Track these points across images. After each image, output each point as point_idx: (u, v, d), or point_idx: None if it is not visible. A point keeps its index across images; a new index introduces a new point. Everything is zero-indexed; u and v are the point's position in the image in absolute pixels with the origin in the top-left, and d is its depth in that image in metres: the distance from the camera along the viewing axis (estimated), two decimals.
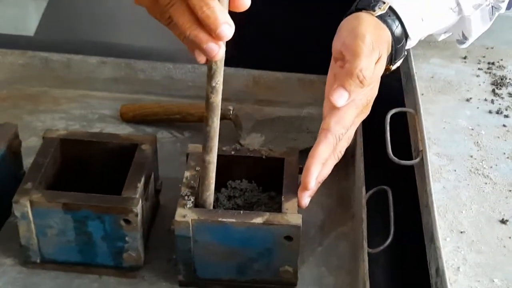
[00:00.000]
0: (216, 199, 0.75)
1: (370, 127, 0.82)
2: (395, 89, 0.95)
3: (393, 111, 0.78)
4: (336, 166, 0.73)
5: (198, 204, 0.69)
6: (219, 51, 0.55)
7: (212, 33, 0.54)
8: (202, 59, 0.58)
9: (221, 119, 0.89)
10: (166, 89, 0.97)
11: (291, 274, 0.70)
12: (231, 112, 0.89)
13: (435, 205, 0.67)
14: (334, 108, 0.70)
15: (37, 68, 0.97)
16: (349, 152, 0.84)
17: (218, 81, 0.61)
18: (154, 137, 0.77)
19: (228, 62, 0.98)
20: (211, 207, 0.69)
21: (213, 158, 0.66)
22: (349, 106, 0.70)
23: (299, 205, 0.69)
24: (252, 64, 0.97)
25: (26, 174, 0.71)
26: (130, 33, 1.59)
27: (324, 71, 0.93)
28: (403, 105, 0.87)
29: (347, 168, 0.85)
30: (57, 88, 0.98)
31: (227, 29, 0.54)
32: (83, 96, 0.97)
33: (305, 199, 0.69)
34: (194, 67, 0.96)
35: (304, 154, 0.79)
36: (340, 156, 0.71)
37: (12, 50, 0.97)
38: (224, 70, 0.96)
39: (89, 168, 0.77)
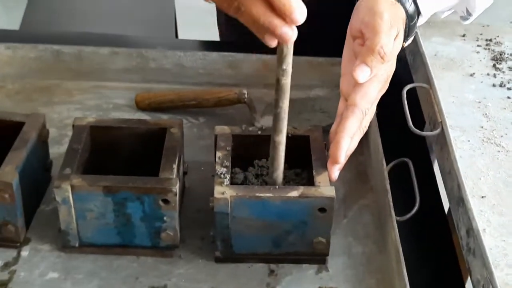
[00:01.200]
0: (245, 178, 0.77)
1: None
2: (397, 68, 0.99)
3: (408, 86, 0.82)
4: None
5: (268, 182, 0.73)
6: (292, 35, 0.60)
7: (287, 19, 0.58)
8: (273, 43, 0.61)
9: (236, 102, 0.94)
10: (177, 77, 1.00)
11: (324, 245, 0.73)
12: (246, 96, 0.92)
13: (461, 170, 0.71)
14: (357, 84, 0.74)
15: (48, 61, 0.99)
16: None
17: (289, 64, 0.65)
18: (181, 121, 0.80)
19: (238, 48, 1.01)
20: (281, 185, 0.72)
21: (283, 138, 0.70)
22: (372, 81, 0.74)
23: (329, 179, 0.72)
24: (261, 49, 1.00)
25: (63, 160, 0.73)
26: (117, 23, 1.60)
27: (332, 54, 0.97)
28: (408, 83, 0.91)
29: (361, 143, 0.89)
30: (69, 80, 0.99)
31: (301, 13, 0.58)
32: (96, 87, 0.99)
33: (335, 172, 0.73)
34: (205, 54, 0.99)
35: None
36: (365, 130, 0.75)
37: (22, 44, 0.99)
38: (234, 56, 1.00)
39: (119, 153, 0.79)
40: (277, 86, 0.66)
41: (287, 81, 0.65)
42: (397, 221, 0.73)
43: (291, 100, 0.97)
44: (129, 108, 0.96)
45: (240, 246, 0.74)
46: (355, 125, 0.73)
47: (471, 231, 0.66)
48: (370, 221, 0.80)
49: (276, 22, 0.58)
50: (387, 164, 0.80)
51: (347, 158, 0.74)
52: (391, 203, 0.74)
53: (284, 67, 0.64)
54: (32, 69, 0.99)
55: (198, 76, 0.99)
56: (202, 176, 0.85)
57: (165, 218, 0.73)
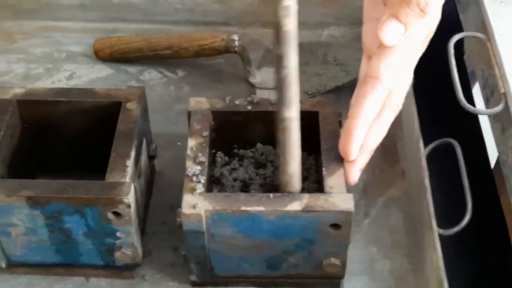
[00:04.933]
0: (221, 174, 0.57)
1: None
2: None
3: (456, 37, 0.59)
4: None
5: (277, 186, 0.51)
6: None
7: None
8: None
9: (223, 52, 0.71)
10: (148, 14, 0.77)
11: (338, 267, 0.53)
12: (236, 43, 0.70)
13: None
14: (383, 47, 0.51)
15: None
16: None
17: None
18: (142, 90, 0.58)
19: None
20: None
21: (296, 113, 0.47)
22: (405, 43, 0.51)
23: (346, 181, 0.51)
24: None
25: None
26: None
27: None
28: (457, 30, 0.67)
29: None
30: (10, 20, 0.78)
31: None
32: (44, 29, 0.77)
33: (354, 174, 0.51)
34: None
35: (334, 93, 0.62)
36: (398, 109, 0.53)
37: None
38: None
39: (60, 138, 0.59)
40: (279, 35, 0.43)
41: (292, 25, 0.42)
42: (440, 235, 0.53)
43: None
44: (87, 58, 0.75)
45: (223, 268, 0.54)
46: (375, 107, 0.51)
47: None
48: (400, 223, 0.60)
49: None
50: (425, 145, 0.59)
51: (371, 153, 0.52)
52: (431, 209, 0.53)
53: (286, 2, 0.41)
54: None
55: (175, 13, 0.76)
56: (179, 155, 0.64)
57: (118, 234, 0.53)
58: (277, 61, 0.44)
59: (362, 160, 0.52)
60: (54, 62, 0.74)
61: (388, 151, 0.65)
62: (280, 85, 0.45)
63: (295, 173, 0.50)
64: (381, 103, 0.51)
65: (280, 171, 0.50)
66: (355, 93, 0.54)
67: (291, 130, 0.48)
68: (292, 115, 0.47)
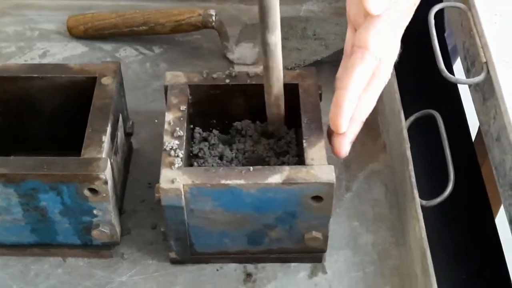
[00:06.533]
0: (200, 150, 0.55)
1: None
2: None
3: (437, 7, 0.58)
4: None
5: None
6: None
7: None
8: None
9: (200, 27, 0.70)
10: None
11: (320, 241, 0.52)
12: (213, 18, 0.68)
13: None
14: (370, 16, 0.50)
15: None
16: None
17: None
18: (117, 65, 0.57)
19: None
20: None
21: (278, 38, 0.48)
22: (393, 11, 0.50)
23: (337, 154, 0.50)
24: None
25: None
26: None
27: None
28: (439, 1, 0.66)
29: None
30: None
31: None
32: (17, 7, 0.76)
33: (345, 146, 0.50)
34: None
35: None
36: (387, 79, 0.52)
37: None
38: None
39: (34, 115, 0.57)
40: None
41: None
42: (422, 206, 0.52)
43: None
44: (60, 35, 0.73)
45: (203, 245, 0.53)
46: (364, 78, 0.49)
47: None
48: (382, 196, 0.59)
49: None
50: (406, 117, 0.58)
51: (361, 125, 0.51)
52: (413, 180, 0.53)
53: None
54: None
55: None
56: (156, 132, 0.63)
57: (95, 211, 0.51)
58: None
59: (353, 131, 0.51)
60: (26, 40, 0.72)
61: (369, 125, 0.64)
62: (264, 12, 0.46)
63: (280, 93, 0.51)
64: (370, 73, 0.50)
65: (266, 94, 0.51)
66: (343, 64, 0.53)
67: (275, 53, 0.48)
68: (275, 40, 0.48)
